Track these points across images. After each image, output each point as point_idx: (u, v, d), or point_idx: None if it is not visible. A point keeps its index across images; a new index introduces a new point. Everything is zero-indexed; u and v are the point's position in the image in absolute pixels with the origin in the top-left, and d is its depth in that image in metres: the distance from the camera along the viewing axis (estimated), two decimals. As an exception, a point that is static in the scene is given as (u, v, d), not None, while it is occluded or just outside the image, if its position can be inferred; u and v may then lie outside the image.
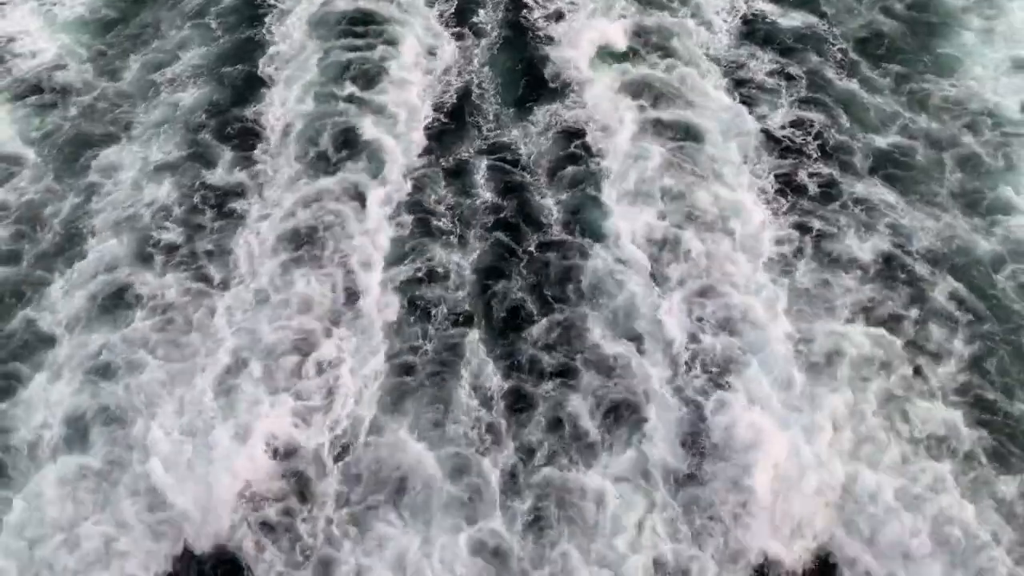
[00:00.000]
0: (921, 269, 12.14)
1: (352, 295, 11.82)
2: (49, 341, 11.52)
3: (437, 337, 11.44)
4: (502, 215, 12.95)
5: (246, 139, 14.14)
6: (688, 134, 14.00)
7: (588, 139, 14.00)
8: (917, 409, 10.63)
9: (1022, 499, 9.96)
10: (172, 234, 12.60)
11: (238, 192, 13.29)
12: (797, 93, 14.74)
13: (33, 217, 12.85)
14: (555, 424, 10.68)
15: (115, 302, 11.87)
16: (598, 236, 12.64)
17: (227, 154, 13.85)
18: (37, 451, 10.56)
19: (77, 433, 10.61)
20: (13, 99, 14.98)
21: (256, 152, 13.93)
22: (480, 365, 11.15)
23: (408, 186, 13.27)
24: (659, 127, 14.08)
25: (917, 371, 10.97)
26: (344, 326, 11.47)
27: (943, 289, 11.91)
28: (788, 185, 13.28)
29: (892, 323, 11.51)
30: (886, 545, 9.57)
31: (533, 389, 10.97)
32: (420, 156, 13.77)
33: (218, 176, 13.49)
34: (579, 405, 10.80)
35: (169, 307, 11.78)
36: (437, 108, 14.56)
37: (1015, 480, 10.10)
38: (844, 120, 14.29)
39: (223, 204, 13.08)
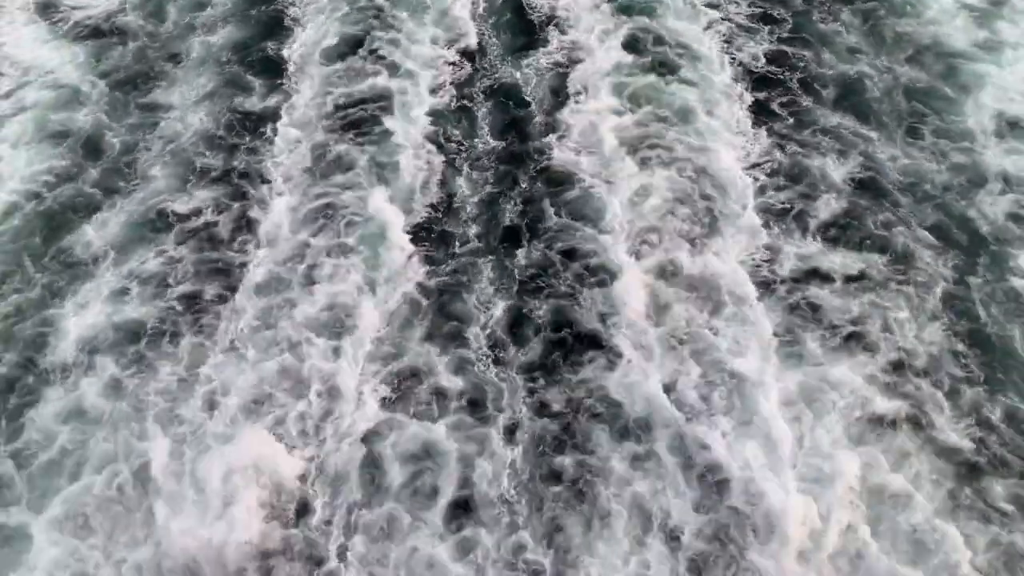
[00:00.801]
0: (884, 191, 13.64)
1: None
2: (98, 256, 12.94)
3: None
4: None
5: (273, 71, 15.97)
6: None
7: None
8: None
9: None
10: (211, 158, 14.28)
11: (268, 116, 15.03)
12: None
13: (94, 143, 14.67)
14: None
15: (159, 221, 13.38)
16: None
17: (257, 84, 15.67)
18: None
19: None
20: (73, 41, 16.95)
21: (282, 81, 15.74)
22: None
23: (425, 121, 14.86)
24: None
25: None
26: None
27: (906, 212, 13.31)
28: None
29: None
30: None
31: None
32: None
33: (251, 103, 15.28)
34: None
35: (207, 225, 13.31)
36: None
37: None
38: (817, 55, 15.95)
39: (256, 127, 14.83)
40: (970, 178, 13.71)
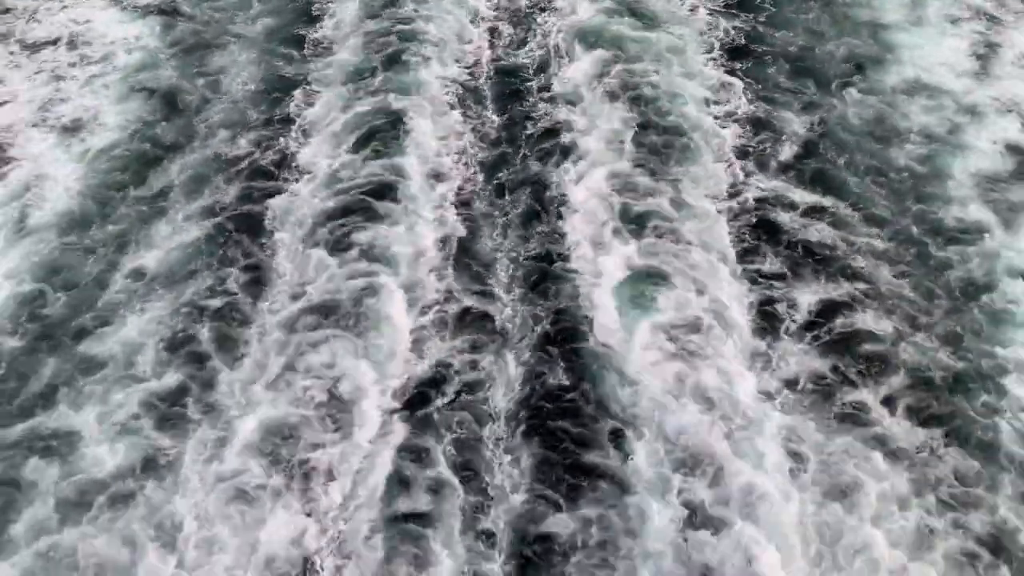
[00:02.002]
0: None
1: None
2: (175, 185, 15.71)
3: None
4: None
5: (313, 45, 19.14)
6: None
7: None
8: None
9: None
10: (258, 112, 17.29)
11: (307, 80, 18.05)
12: None
13: (170, 98, 17.77)
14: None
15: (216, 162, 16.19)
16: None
17: (295, 54, 18.85)
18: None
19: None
20: (143, 19, 20.19)
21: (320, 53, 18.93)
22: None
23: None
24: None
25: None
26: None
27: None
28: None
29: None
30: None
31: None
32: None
33: (291, 69, 18.44)
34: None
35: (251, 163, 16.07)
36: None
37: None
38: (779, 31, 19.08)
39: (297, 85, 17.92)
40: (893, 127, 16.60)
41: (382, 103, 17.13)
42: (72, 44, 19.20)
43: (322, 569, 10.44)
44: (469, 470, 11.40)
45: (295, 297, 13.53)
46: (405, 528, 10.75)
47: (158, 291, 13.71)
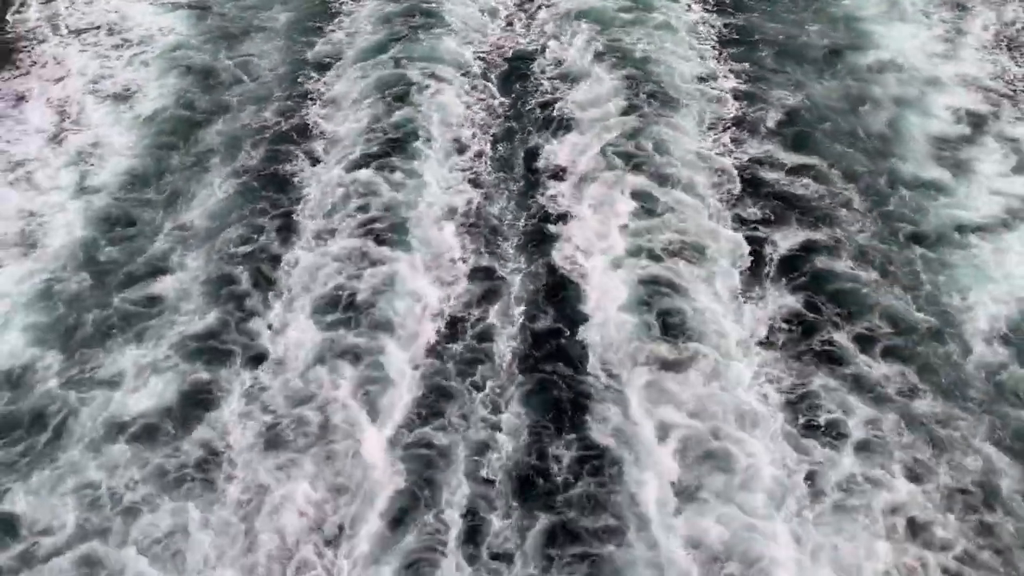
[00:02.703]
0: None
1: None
2: (213, 148, 17.41)
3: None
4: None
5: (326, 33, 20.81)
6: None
7: None
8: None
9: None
10: (282, 89, 18.94)
11: (326, 65, 19.69)
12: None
13: (205, 74, 19.46)
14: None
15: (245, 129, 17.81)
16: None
17: (317, 41, 20.49)
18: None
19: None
20: (174, 12, 21.91)
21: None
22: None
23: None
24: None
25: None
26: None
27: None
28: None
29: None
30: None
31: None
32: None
33: (312, 53, 20.11)
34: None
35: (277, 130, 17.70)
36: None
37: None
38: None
39: (318, 67, 19.56)
40: (867, 97, 18.28)
41: (399, 78, 18.78)
42: (112, 30, 20.99)
43: (356, 489, 11.51)
44: (478, 389, 12.74)
45: (320, 243, 15.03)
46: (430, 446, 12.02)
47: (201, 239, 15.25)
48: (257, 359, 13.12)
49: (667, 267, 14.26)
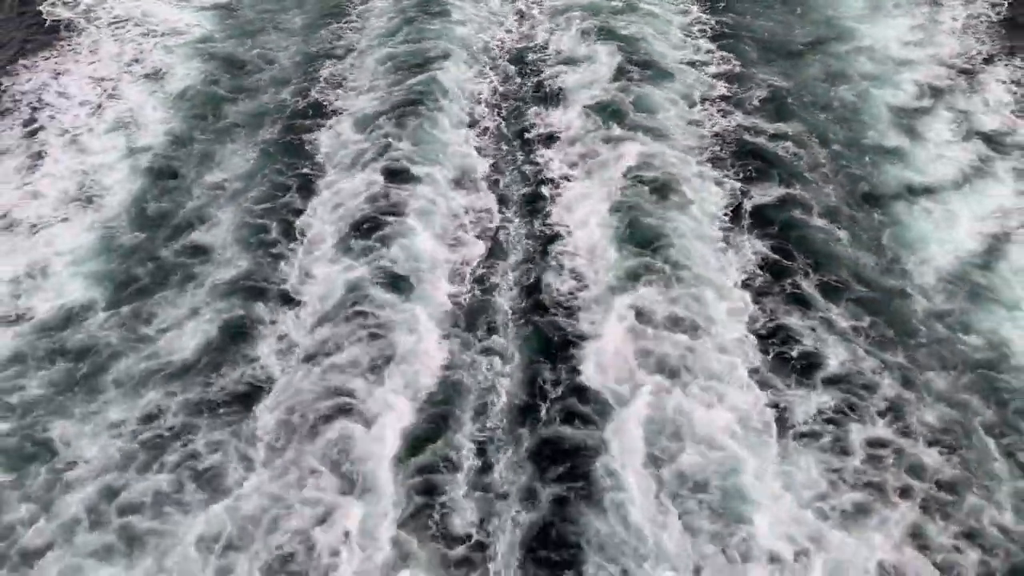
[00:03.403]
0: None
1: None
2: (239, 123, 19.08)
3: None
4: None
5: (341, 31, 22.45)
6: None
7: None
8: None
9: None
10: (300, 78, 20.45)
11: (340, 55, 21.31)
12: None
13: (229, 61, 21.17)
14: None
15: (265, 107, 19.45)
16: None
17: (331, 34, 22.17)
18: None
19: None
20: (199, 12, 23.62)
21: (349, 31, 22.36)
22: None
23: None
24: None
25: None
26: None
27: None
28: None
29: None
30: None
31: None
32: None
33: (328, 46, 21.68)
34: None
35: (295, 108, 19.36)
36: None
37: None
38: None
39: (334, 56, 21.16)
40: (842, 76, 19.87)
41: (411, 63, 20.32)
42: (141, 23, 22.78)
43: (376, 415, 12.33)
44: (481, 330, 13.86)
45: (343, 192, 16.51)
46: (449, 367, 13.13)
47: (232, 196, 16.74)
48: (288, 298, 14.38)
49: (652, 209, 15.61)
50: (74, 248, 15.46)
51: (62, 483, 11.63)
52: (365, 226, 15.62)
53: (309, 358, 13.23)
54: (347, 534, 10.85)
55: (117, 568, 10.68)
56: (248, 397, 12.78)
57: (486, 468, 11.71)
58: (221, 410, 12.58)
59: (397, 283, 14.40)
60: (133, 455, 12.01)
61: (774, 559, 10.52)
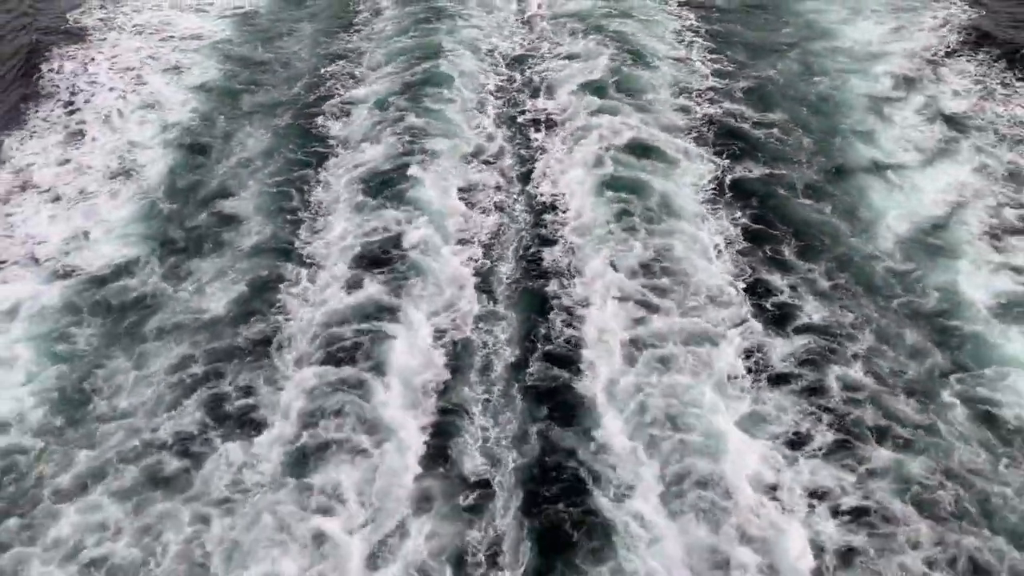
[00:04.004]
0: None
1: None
2: (257, 110, 20.80)
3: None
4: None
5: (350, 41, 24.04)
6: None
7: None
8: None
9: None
10: (310, 72, 22.03)
11: (354, 52, 22.98)
12: None
13: (249, 60, 22.85)
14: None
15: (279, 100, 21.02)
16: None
17: (343, 39, 23.80)
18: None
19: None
20: (216, 18, 25.29)
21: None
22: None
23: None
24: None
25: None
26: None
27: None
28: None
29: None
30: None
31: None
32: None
33: (339, 48, 23.33)
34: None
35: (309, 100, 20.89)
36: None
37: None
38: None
39: (344, 57, 22.75)
40: (821, 69, 21.41)
41: (419, 59, 21.95)
42: (161, 30, 24.56)
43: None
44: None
45: (355, 167, 17.97)
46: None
47: (253, 172, 18.16)
48: (307, 257, 15.58)
49: (638, 177, 17.10)
50: (116, 214, 16.87)
51: (103, 424, 12.54)
52: (376, 190, 17.19)
53: (327, 312, 14.31)
54: (374, 469, 11.68)
55: (155, 506, 11.40)
56: (271, 343, 13.84)
57: (489, 413, 12.63)
58: (248, 357, 13.60)
59: (408, 247, 15.66)
60: (168, 397, 12.96)
61: (752, 487, 11.28)
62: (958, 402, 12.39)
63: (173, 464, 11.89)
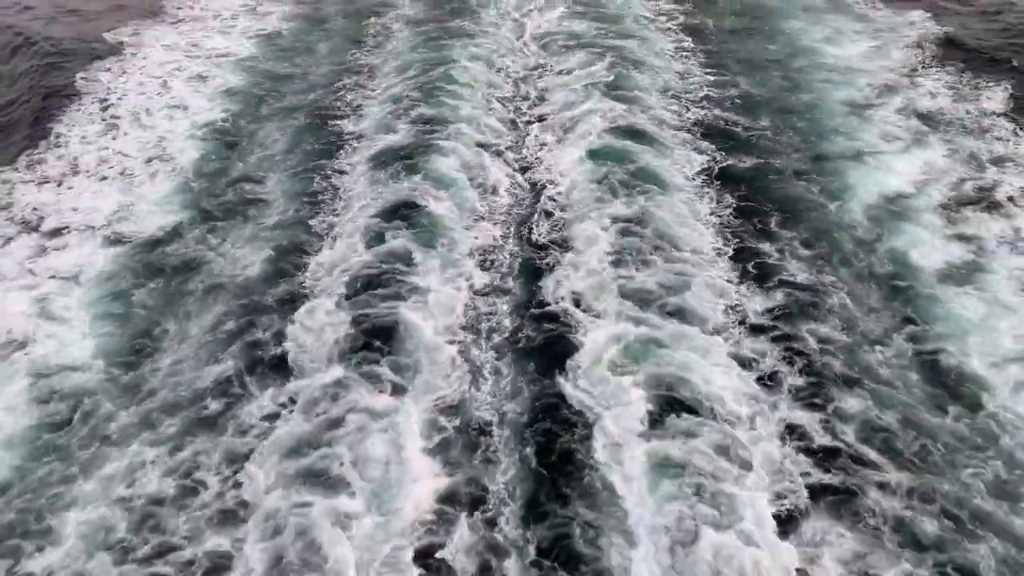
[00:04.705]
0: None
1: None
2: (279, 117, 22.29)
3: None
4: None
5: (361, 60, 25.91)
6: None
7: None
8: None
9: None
10: (327, 84, 23.72)
11: (365, 73, 24.56)
12: None
13: (273, 72, 24.69)
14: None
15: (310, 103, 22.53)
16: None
17: (359, 53, 25.68)
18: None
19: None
20: (244, 38, 27.26)
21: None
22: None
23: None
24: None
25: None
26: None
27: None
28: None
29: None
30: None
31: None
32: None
33: (355, 62, 25.14)
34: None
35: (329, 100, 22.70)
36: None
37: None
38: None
39: (360, 72, 24.50)
40: (805, 82, 23.06)
41: (431, 70, 23.65)
42: (189, 48, 26.47)
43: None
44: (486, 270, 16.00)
45: (370, 149, 19.71)
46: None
47: (276, 163, 19.71)
48: (330, 231, 16.94)
49: (633, 157, 18.64)
50: (156, 191, 18.56)
51: (151, 374, 13.68)
52: (390, 176, 18.60)
53: (349, 280, 15.41)
54: (389, 415, 12.57)
55: (192, 448, 12.35)
56: (297, 301, 15.01)
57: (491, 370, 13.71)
58: (276, 312, 14.77)
59: (422, 221, 17.02)
60: (207, 348, 14.12)
61: (729, 422, 12.23)
62: (910, 351, 13.62)
63: (212, 407, 12.93)
